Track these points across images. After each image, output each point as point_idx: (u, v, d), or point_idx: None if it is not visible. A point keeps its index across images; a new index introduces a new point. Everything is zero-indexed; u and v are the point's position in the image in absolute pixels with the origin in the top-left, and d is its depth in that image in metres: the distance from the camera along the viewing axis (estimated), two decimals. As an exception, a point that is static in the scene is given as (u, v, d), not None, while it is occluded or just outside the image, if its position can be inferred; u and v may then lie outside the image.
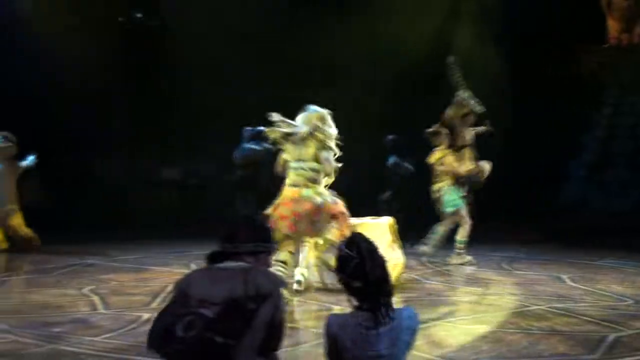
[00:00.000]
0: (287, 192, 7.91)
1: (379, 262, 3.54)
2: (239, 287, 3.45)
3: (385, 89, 15.41)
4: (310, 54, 15.09)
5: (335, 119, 8.10)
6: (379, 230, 8.42)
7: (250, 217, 3.81)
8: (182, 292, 3.56)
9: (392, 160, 12.39)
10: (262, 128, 12.15)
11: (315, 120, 7.97)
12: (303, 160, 7.92)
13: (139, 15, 17.39)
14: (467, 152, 10.65)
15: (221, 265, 3.65)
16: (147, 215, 14.47)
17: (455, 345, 6.08)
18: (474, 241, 10.74)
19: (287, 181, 7.99)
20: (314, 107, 8.07)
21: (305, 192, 7.83)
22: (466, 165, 10.53)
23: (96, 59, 15.16)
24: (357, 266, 3.49)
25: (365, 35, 15.11)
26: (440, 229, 10.64)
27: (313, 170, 7.91)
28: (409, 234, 10.41)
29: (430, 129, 10.64)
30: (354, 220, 8.16)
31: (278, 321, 3.56)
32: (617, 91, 15.69)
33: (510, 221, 14.68)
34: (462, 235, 10.60)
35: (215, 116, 15.53)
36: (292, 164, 7.96)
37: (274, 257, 7.64)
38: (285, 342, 5.71)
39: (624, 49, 15.80)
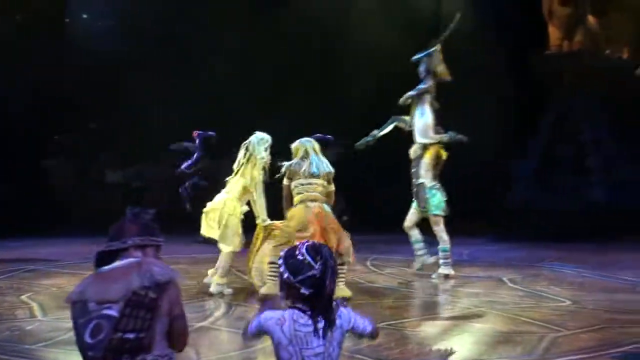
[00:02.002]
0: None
1: (335, 280, 3.56)
2: (136, 280, 3.43)
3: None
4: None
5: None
6: None
7: (137, 213, 3.77)
8: (78, 302, 3.50)
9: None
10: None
11: None
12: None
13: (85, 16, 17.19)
14: None
15: (109, 267, 3.59)
16: (90, 219, 14.26)
17: (394, 348, 6.12)
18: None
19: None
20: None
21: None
22: None
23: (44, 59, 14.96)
24: (315, 278, 3.49)
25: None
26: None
27: None
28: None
29: None
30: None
31: (178, 312, 3.55)
32: (560, 96, 16.00)
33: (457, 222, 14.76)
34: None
35: (161, 122, 15.41)
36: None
37: (270, 259, 7.73)
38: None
39: (564, 55, 16.15)
